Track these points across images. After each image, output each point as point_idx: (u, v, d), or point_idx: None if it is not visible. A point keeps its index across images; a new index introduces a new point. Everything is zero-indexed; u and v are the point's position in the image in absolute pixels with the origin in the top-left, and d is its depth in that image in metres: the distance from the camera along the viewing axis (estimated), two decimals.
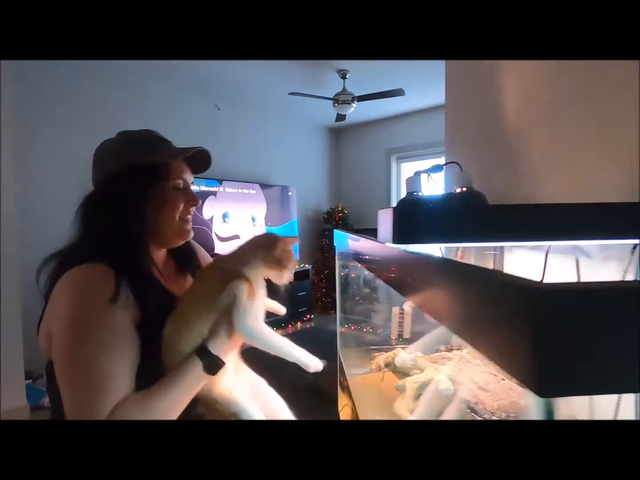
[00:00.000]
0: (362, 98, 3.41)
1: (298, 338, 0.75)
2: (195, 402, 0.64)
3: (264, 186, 4.21)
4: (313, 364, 0.66)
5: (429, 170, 1.10)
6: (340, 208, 4.82)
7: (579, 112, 0.85)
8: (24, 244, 2.24)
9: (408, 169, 4.77)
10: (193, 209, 0.75)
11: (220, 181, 3.72)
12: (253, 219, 4.11)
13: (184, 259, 0.80)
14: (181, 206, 0.71)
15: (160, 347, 0.63)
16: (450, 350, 1.08)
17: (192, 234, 0.76)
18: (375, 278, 1.18)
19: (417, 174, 1.12)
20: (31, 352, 1.92)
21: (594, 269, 0.71)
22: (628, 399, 0.60)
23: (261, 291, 0.69)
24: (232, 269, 0.66)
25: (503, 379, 0.91)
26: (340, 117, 3.82)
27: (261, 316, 0.68)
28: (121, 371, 0.57)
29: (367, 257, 0.65)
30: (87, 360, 0.55)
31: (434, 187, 1.11)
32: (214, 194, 3.71)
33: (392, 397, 0.92)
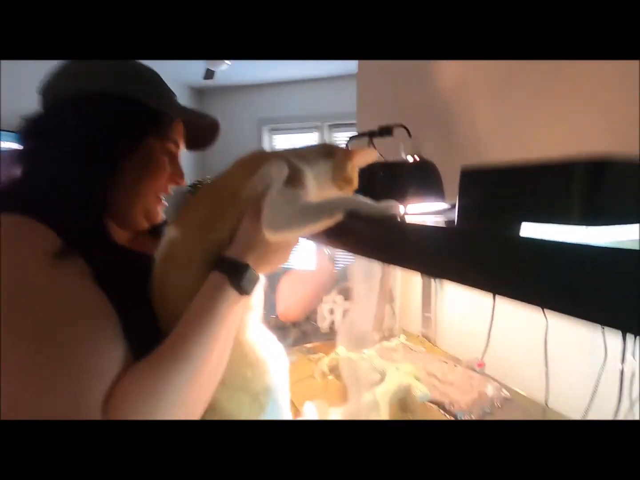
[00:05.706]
0: None
1: None
2: None
3: None
4: (392, 210, 0.45)
5: (371, 134, 0.93)
6: (207, 181, 4.33)
7: (528, 77, 0.80)
8: None
9: (281, 141, 4.57)
10: (172, 189, 0.59)
11: None
12: None
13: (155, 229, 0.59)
14: (163, 179, 0.56)
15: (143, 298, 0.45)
16: (388, 338, 0.96)
17: (160, 218, 0.59)
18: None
19: (354, 138, 0.93)
20: None
21: None
22: None
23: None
24: (275, 154, 0.50)
25: (455, 365, 0.84)
26: (210, 74, 3.31)
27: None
28: (105, 340, 0.39)
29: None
30: (48, 341, 0.37)
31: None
32: None
33: None
